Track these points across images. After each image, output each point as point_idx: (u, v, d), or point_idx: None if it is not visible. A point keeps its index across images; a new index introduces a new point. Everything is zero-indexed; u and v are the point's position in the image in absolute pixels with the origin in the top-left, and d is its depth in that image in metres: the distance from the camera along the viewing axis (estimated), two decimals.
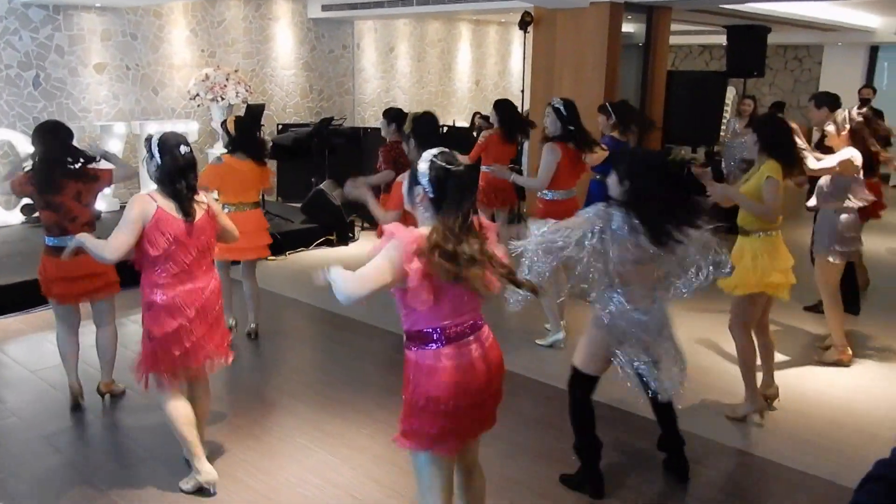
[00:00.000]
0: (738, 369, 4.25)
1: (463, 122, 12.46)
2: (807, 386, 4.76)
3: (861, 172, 4.85)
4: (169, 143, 3.26)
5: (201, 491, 3.46)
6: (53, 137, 4.07)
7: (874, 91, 10.34)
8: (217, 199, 5.14)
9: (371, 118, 12.43)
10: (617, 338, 3.26)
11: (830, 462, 3.82)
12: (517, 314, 3.26)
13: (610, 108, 6.04)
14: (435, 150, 2.47)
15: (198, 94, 9.45)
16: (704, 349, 5.34)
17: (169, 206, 3.23)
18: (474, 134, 8.95)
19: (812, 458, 3.86)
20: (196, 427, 3.48)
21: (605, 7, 7.58)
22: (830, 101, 5.54)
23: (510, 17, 13.74)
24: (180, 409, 3.41)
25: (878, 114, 6.99)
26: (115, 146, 8.55)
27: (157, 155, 3.23)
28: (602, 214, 3.14)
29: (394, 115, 5.63)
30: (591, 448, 3.49)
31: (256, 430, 4.16)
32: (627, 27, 9.13)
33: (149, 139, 3.31)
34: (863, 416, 4.35)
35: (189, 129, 9.69)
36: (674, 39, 9.72)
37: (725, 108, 10.83)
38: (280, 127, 10.70)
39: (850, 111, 4.99)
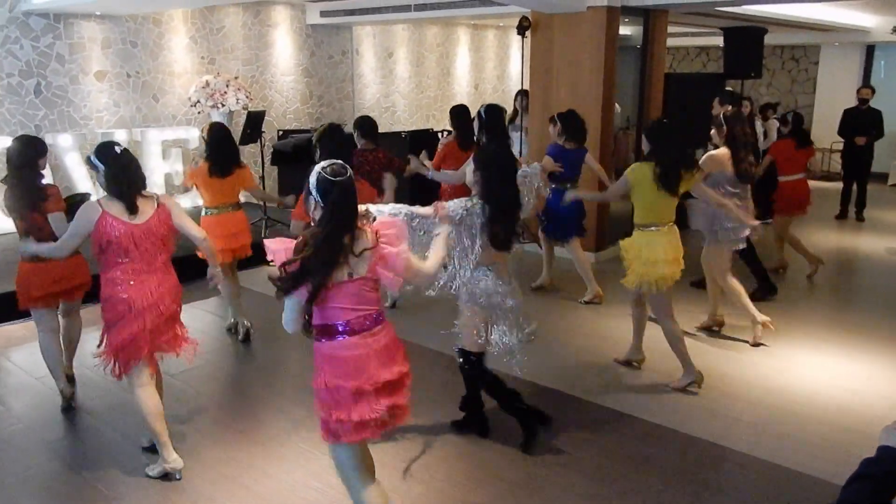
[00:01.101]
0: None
1: None
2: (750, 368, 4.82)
3: (730, 168, 5.26)
4: (105, 149, 3.57)
5: (167, 476, 3.70)
6: (38, 152, 4.34)
7: (873, 91, 10.36)
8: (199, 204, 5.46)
9: None
10: (491, 308, 3.81)
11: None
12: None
13: (557, 119, 6.32)
14: (325, 162, 2.70)
15: (198, 101, 9.50)
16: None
17: (116, 209, 3.50)
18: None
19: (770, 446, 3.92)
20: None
21: (602, 12, 7.61)
22: (733, 100, 6.32)
23: (508, 21, 13.79)
24: (148, 400, 3.66)
25: (876, 113, 7.14)
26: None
27: (98, 164, 3.53)
28: (467, 201, 3.66)
29: (358, 124, 5.89)
30: (512, 400, 4.01)
31: (258, 435, 4.21)
32: (625, 30, 9.17)
33: (88, 157, 3.63)
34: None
35: (190, 135, 9.76)
36: (671, 41, 9.79)
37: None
38: (280, 133, 10.75)
39: (723, 112, 5.56)
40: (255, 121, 8.26)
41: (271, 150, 10.18)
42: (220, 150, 5.33)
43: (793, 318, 6.03)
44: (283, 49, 11.34)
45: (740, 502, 3.55)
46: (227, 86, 9.60)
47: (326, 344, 2.74)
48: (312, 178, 2.66)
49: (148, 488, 3.65)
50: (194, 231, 3.80)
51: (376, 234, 2.73)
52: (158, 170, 9.33)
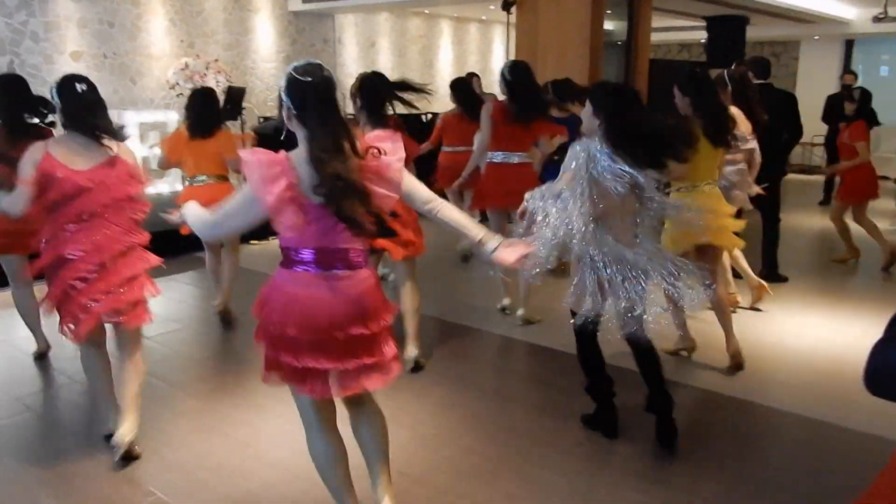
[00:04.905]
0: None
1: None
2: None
3: (746, 125, 4.81)
4: (66, 84, 3.15)
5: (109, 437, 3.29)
6: (13, 91, 3.98)
7: (855, 76, 10.42)
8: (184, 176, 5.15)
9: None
10: (604, 273, 3.21)
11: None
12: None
13: (550, 87, 6.00)
14: (295, 63, 2.30)
15: (177, 83, 9.31)
16: None
17: (63, 152, 3.09)
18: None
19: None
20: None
21: None
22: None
23: (491, 14, 13.75)
24: (90, 361, 3.34)
25: (868, 95, 7.00)
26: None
27: (56, 99, 3.14)
28: (583, 146, 3.20)
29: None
30: (600, 388, 3.44)
31: (237, 388, 4.03)
32: (609, 24, 9.11)
33: (50, 88, 3.20)
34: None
35: (169, 118, 9.54)
36: (653, 37, 9.74)
37: None
38: (262, 120, 10.56)
39: (725, 71, 5.15)
40: (235, 96, 8.06)
41: (254, 135, 9.98)
42: (202, 111, 5.07)
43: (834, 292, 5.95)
44: (265, 35, 11.17)
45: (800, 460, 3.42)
46: (207, 68, 9.42)
47: (282, 273, 2.36)
48: (282, 82, 2.29)
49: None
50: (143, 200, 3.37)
51: (366, 148, 2.32)
52: (136, 153, 9.07)
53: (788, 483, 3.12)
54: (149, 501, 2.97)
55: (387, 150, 2.35)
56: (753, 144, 4.90)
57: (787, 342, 4.73)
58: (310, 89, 2.24)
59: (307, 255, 2.29)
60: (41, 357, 4.44)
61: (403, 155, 2.39)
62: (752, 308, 5.33)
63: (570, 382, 3.76)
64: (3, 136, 3.88)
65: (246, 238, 7.19)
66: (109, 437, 3.28)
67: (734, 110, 4.78)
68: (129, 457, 3.20)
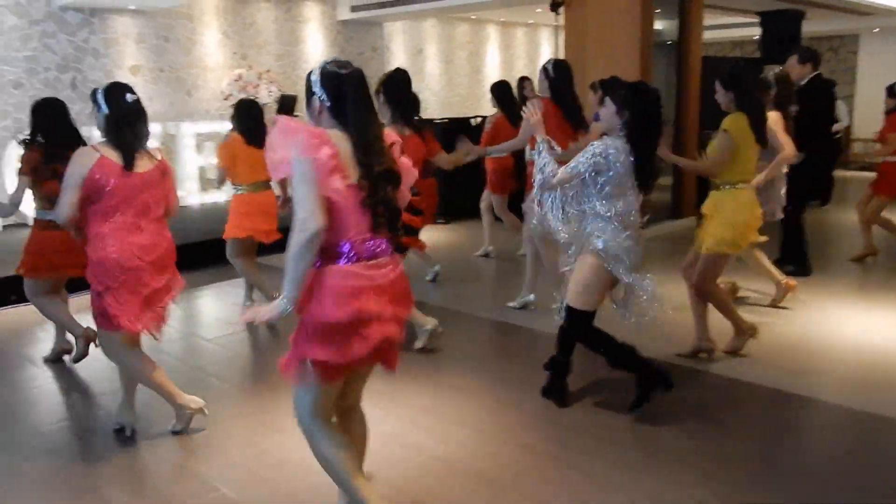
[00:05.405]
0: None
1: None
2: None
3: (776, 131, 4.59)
4: (114, 92, 3.21)
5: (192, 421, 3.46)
6: (57, 111, 4.11)
7: None
8: (229, 182, 5.24)
9: None
10: (612, 259, 3.42)
11: None
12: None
13: (599, 85, 5.86)
14: (327, 59, 2.36)
15: (231, 94, 9.51)
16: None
17: (113, 156, 3.15)
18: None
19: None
20: (129, 389, 3.51)
21: None
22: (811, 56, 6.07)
23: (538, 17, 13.71)
24: (139, 364, 3.37)
25: None
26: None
27: (102, 104, 3.19)
28: (605, 141, 3.38)
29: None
30: (625, 357, 3.56)
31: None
32: (658, 24, 8.98)
33: (94, 91, 3.26)
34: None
35: (224, 129, 9.73)
36: (705, 35, 9.56)
37: None
38: None
39: (772, 73, 5.22)
40: (287, 104, 8.18)
41: None
42: (250, 119, 5.18)
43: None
44: (314, 45, 11.35)
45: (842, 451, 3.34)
46: (259, 78, 9.61)
47: (323, 268, 2.28)
48: (314, 76, 2.29)
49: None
50: (176, 204, 3.49)
51: (390, 144, 2.43)
52: (192, 162, 9.32)
53: (841, 476, 3.03)
54: (213, 497, 3.00)
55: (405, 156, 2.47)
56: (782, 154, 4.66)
57: (831, 335, 4.62)
58: (346, 81, 2.27)
59: (345, 246, 2.27)
60: (57, 359, 4.48)
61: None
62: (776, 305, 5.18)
63: (627, 380, 3.69)
64: (41, 156, 3.97)
65: None
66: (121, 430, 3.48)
67: (773, 115, 4.71)
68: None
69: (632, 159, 3.35)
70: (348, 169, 2.23)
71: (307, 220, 2.14)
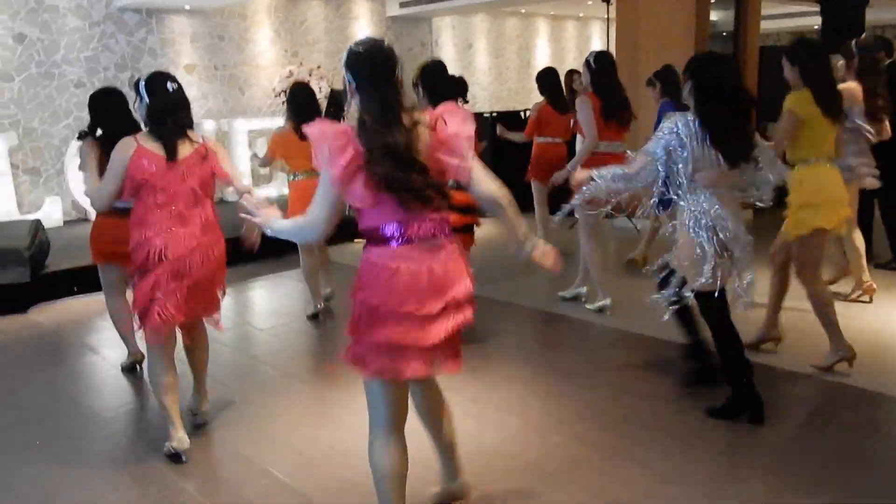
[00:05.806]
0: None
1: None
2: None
3: (860, 103, 4.42)
4: (156, 82, 3.17)
5: (174, 457, 3.23)
6: (113, 101, 4.01)
7: None
8: (286, 170, 5.30)
9: None
10: (707, 237, 3.21)
11: None
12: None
13: (654, 78, 5.83)
14: (357, 40, 2.32)
15: (283, 91, 9.63)
16: None
17: (153, 146, 3.12)
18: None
19: None
20: (197, 376, 3.55)
21: None
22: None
23: (589, 10, 13.55)
24: (161, 377, 3.25)
25: None
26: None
27: (144, 95, 3.15)
28: (676, 120, 3.22)
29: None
30: (739, 369, 3.31)
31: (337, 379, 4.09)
32: (714, 15, 8.76)
33: (137, 81, 3.23)
34: None
35: (276, 125, 9.89)
36: (763, 24, 9.28)
37: None
38: None
39: (854, 41, 4.85)
40: (338, 99, 8.25)
41: None
42: (305, 108, 5.22)
43: None
44: None
45: None
46: (310, 74, 9.69)
47: (375, 251, 2.28)
48: (344, 58, 2.28)
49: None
50: (237, 183, 3.37)
51: (435, 119, 2.27)
52: (245, 158, 9.47)
53: None
54: (265, 481, 3.04)
55: (456, 121, 2.27)
56: (860, 122, 4.43)
57: None
58: (364, 58, 2.23)
59: (390, 229, 2.23)
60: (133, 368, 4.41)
61: (473, 127, 2.30)
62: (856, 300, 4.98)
63: (677, 369, 3.62)
64: (100, 148, 3.80)
65: (351, 236, 7.35)
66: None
67: (852, 85, 4.46)
68: None
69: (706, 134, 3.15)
70: None
71: (310, 227, 2.33)
